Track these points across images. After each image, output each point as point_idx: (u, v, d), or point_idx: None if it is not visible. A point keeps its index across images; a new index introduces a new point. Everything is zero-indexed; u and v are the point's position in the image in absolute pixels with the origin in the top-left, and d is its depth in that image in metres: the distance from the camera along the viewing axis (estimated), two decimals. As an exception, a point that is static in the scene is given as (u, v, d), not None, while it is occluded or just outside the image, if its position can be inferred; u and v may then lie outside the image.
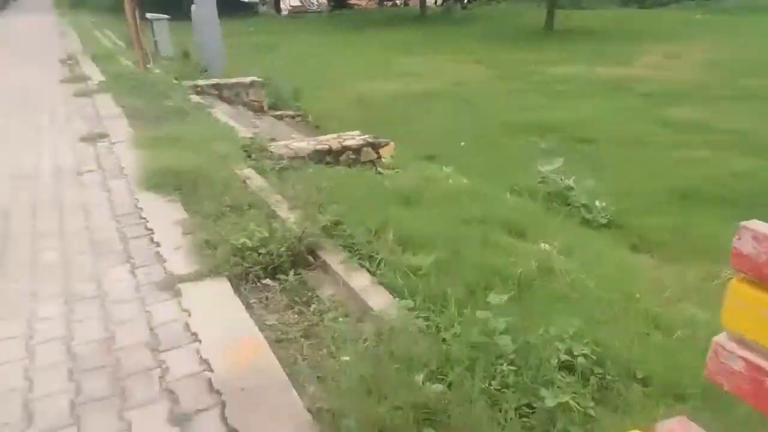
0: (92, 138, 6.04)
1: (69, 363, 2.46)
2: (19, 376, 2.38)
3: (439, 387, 2.21)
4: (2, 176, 4.96)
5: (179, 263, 3.30)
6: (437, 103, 11.56)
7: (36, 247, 3.62)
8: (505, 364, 2.26)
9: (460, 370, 2.28)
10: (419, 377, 2.25)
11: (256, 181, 4.52)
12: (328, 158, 5.49)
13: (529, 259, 3.25)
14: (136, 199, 4.34)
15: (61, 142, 6.00)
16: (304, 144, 5.62)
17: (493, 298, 2.58)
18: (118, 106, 7.51)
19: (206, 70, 11.65)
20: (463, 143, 8.64)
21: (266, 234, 3.32)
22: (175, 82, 9.24)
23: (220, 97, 9.55)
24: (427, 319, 2.64)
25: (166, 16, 13.34)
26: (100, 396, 2.26)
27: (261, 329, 2.69)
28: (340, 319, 2.78)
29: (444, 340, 2.48)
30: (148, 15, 13.20)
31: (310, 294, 3.04)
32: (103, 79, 9.55)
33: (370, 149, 5.84)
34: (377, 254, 3.23)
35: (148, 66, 10.30)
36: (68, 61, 11.91)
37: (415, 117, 10.38)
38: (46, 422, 2.13)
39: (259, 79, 10.16)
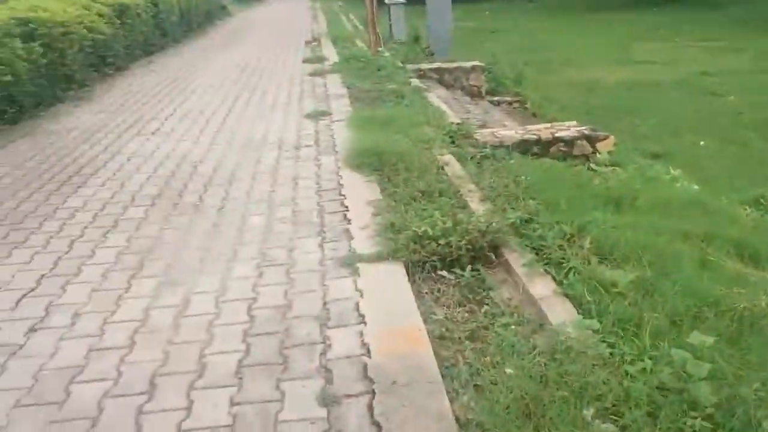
0: (316, 115, 6.49)
1: (246, 325, 2.62)
2: (203, 330, 2.60)
3: (610, 427, 1.94)
4: (235, 146, 5.58)
5: (363, 243, 3.34)
6: (676, 94, 10.31)
7: (246, 212, 3.97)
8: (699, 419, 1.87)
9: (640, 413, 1.94)
10: (588, 412, 1.99)
11: (453, 167, 4.41)
12: (535, 149, 5.18)
13: (759, 292, 2.66)
14: (340, 176, 4.53)
15: (290, 118, 6.55)
16: (512, 132, 5.36)
17: (696, 337, 2.14)
18: (344, 87, 7.97)
19: (433, 54, 11.88)
20: (702, 142, 7.55)
21: (449, 224, 3.19)
22: (400, 65, 9.53)
23: (441, 81, 9.65)
24: (611, 345, 2.31)
25: (402, 1, 13.84)
26: (264, 361, 2.37)
27: (426, 322, 2.59)
28: (513, 326, 2.55)
29: (627, 373, 2.13)
30: (387, 0, 13.83)
31: (484, 293, 2.86)
32: (337, 60, 10.24)
33: (585, 142, 5.37)
34: (567, 261, 2.92)
35: (380, 49, 10.78)
36: (312, 43, 13.04)
37: (648, 109, 9.35)
38: (213, 378, 2.28)
39: (481, 64, 10.05)
